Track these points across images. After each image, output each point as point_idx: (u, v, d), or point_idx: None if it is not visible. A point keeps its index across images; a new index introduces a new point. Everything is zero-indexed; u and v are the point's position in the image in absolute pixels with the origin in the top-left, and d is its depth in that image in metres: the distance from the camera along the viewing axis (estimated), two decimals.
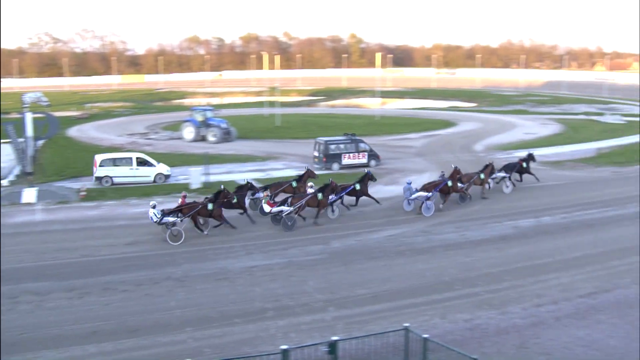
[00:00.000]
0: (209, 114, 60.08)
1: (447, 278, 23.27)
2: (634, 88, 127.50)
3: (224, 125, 59.01)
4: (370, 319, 19.69)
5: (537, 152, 51.54)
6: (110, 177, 39.91)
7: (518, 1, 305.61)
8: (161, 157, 49.39)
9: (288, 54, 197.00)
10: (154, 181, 40.38)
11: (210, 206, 28.98)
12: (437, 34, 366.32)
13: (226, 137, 58.31)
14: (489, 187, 37.49)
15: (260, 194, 32.11)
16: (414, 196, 32.78)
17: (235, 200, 30.16)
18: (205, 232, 28.94)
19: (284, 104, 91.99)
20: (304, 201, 30.19)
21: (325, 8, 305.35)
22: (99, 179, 39.85)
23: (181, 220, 28.12)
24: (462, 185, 34.68)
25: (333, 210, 31.98)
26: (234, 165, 46.68)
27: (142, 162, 40.74)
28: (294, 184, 34.00)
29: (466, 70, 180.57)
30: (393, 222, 31.12)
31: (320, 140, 45.75)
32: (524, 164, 39.80)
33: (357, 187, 33.21)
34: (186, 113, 68.66)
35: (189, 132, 59.31)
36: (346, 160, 45.14)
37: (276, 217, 29.98)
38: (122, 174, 40.13)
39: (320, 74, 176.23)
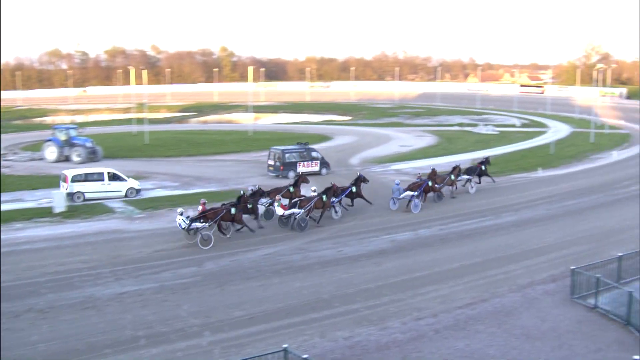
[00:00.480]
0: (73, 133, 58.15)
1: (326, 296, 23.63)
2: (506, 99, 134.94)
3: (89, 144, 57.27)
4: (247, 342, 19.65)
5: (412, 164, 53.71)
6: (82, 193, 40.37)
7: (391, 14, 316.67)
8: (21, 180, 47.19)
9: (156, 69, 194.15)
10: (126, 195, 41.34)
11: (233, 211, 31.56)
12: (311, 46, 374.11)
13: (92, 156, 56.34)
14: (456, 187, 42.05)
15: (262, 200, 35.06)
16: (402, 195, 37.31)
17: (250, 206, 32.77)
18: (228, 235, 31.42)
19: (153, 121, 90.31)
20: (312, 203, 33.63)
21: (195, 21, 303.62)
22: (71, 195, 39.83)
23: (209, 226, 30.53)
24: (438, 186, 39.61)
25: (336, 211, 35.52)
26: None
27: (113, 177, 41.63)
28: (291, 189, 36.71)
29: (340, 83, 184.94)
30: (269, 240, 31.25)
31: (277, 150, 48.87)
32: (483, 167, 44.65)
33: (354, 189, 36.92)
34: (48, 132, 65.51)
35: (51, 152, 57.19)
36: (301, 168, 48.22)
37: (282, 220, 33.26)
38: (94, 189, 40.87)
39: (191, 89, 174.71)
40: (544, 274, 26.09)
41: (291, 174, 47.07)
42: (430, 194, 39.50)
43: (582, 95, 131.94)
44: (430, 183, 38.86)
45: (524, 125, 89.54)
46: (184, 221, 30.20)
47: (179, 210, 31.02)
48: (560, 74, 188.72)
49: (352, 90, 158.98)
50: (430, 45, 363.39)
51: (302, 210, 33.13)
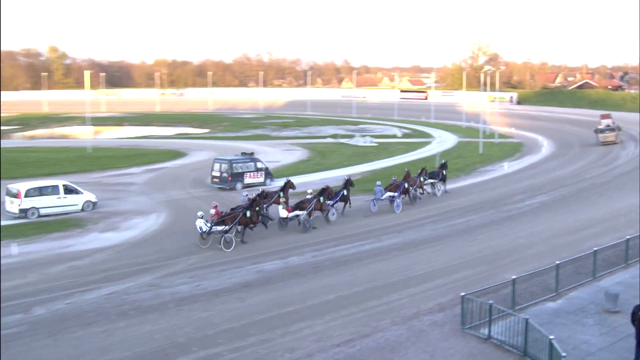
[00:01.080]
0: None
1: (182, 339, 23.23)
2: (385, 106, 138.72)
3: None
4: None
5: (281, 182, 54.07)
6: (37, 209, 42.03)
7: (255, 12, 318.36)
8: None
9: None
10: (82, 209, 43.58)
11: (248, 214, 36.30)
12: (160, 48, 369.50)
13: None
14: (423, 191, 48.52)
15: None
16: (384, 196, 44.25)
17: (257, 208, 37.48)
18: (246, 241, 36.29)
19: None
20: (313, 205, 39.97)
21: (15, 15, 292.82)
22: (24, 211, 41.52)
23: (230, 229, 35.28)
24: (411, 188, 46.49)
25: (333, 213, 41.74)
26: None
27: (69, 190, 43.63)
28: (281, 194, 41.96)
29: (196, 90, 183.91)
30: (112, 277, 30.42)
31: (223, 160, 53.38)
32: (444, 172, 51.25)
33: (345, 192, 43.24)
34: None
35: None
36: (247, 179, 53.39)
37: (282, 222, 39.39)
38: (50, 204, 42.58)
39: (13, 97, 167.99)
40: (431, 303, 26.79)
41: (238, 186, 52.10)
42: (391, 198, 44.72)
43: (469, 101, 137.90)
44: (406, 185, 45.81)
45: (405, 136, 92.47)
46: (205, 224, 35.00)
47: (200, 213, 35.59)
48: (445, 78, 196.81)
49: (210, 99, 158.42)
50: (299, 47, 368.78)
51: (305, 212, 39.44)
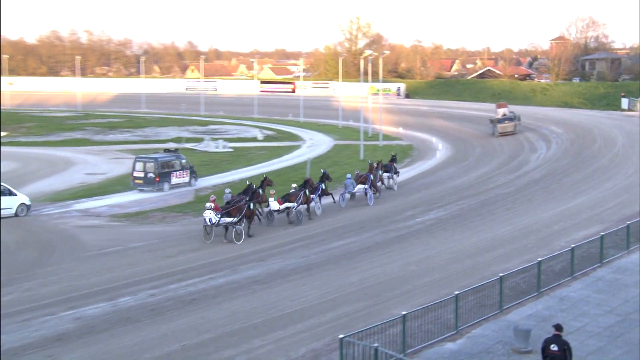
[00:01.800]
0: None
1: None
2: (243, 101, 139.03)
3: None
4: None
5: (106, 201, 53.41)
6: None
7: None
8: None
9: None
10: (16, 214, 48.04)
11: (252, 206, 44.45)
12: None
13: None
14: (382, 183, 58.50)
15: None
16: (356, 189, 53.85)
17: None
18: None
19: None
20: (301, 197, 48.25)
21: None
22: None
23: (239, 220, 43.02)
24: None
25: (319, 207, 50.49)
26: None
27: (3, 192, 47.70)
28: (260, 191, 47.92)
29: None
30: None
31: (148, 158, 59.06)
32: (395, 165, 60.90)
33: (324, 186, 51.91)
34: None
35: None
36: (174, 179, 59.55)
37: (269, 217, 47.18)
38: None
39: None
40: (303, 349, 26.90)
41: (166, 187, 58.23)
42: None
43: (347, 94, 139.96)
44: (372, 177, 54.97)
45: (268, 139, 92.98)
46: (216, 215, 42.26)
47: (208, 204, 42.75)
48: (317, 65, 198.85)
49: (7, 91, 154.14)
50: (129, 25, 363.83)
51: (296, 204, 47.77)
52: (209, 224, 42.18)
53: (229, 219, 42.43)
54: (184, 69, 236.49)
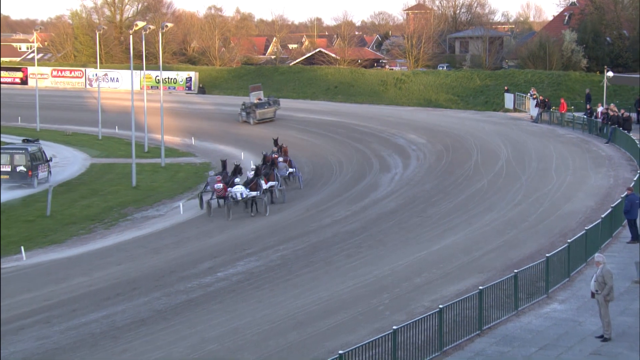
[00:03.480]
0: None
1: None
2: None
3: None
4: None
5: None
6: None
7: None
8: None
9: None
10: None
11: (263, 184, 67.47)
12: None
13: None
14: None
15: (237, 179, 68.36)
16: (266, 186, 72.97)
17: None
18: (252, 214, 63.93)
19: None
20: (276, 175, 71.76)
21: None
22: None
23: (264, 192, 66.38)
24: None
25: (280, 185, 72.49)
26: None
27: None
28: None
29: None
30: None
31: (17, 149, 70.44)
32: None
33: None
34: None
35: None
36: (41, 173, 72.58)
37: (251, 202, 66.11)
38: None
39: None
40: None
41: (35, 182, 70.95)
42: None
43: (110, 86, 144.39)
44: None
45: None
46: (246, 190, 64.19)
47: (237, 179, 64.07)
48: (60, 42, 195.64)
49: None
50: None
51: (276, 182, 70.41)
52: (239, 199, 63.65)
53: (254, 193, 64.66)
54: None
